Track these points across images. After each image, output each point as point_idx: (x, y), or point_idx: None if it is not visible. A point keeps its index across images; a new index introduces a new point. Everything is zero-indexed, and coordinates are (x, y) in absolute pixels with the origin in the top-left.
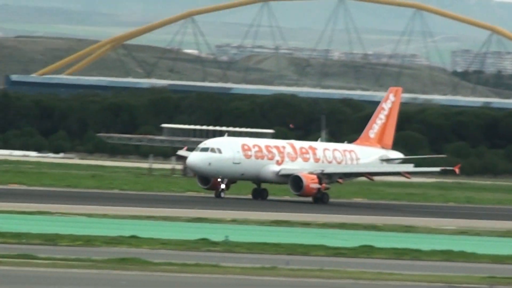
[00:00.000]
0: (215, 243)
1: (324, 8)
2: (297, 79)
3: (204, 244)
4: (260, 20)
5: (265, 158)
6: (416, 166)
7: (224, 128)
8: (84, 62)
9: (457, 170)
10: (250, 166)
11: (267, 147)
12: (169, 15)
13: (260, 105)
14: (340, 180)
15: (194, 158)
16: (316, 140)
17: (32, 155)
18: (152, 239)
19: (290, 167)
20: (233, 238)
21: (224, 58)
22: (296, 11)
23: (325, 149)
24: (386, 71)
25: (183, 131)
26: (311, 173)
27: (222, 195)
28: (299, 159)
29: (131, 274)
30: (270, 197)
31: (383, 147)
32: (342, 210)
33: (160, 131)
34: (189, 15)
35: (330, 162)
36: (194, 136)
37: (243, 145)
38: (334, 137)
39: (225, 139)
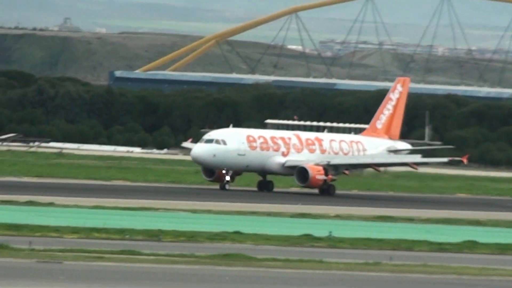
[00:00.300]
0: (318, 239)
1: (428, 4)
2: (401, 75)
3: (308, 239)
4: (364, 16)
5: (271, 149)
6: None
7: (328, 124)
8: (188, 58)
9: (465, 160)
10: (255, 157)
11: (272, 138)
12: (273, 11)
13: (364, 100)
14: (346, 172)
15: (199, 149)
16: (421, 136)
17: (136, 151)
18: (255, 234)
19: (296, 158)
20: (337, 233)
21: (328, 53)
22: (400, 6)
23: (331, 140)
24: (490, 67)
25: (288, 126)
26: (317, 164)
27: (227, 187)
28: (305, 151)
29: (234, 270)
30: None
31: (390, 138)
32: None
33: (264, 126)
34: (293, 11)
35: (336, 154)
36: None
37: (248, 137)
38: (438, 133)
39: (230, 130)
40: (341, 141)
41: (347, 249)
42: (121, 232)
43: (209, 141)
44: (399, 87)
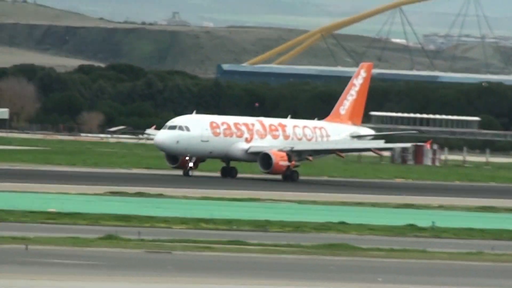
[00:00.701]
0: (422, 229)
1: None
2: (503, 68)
3: (411, 229)
4: (466, 10)
5: (234, 135)
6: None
7: (431, 116)
8: (294, 51)
9: (428, 146)
10: (219, 144)
11: (236, 124)
12: (377, 5)
13: (466, 93)
14: (309, 158)
15: (162, 136)
16: None
17: None
18: (360, 225)
19: (259, 144)
20: (440, 223)
21: (431, 47)
22: (503, 0)
23: (294, 126)
24: None
25: (391, 118)
26: (280, 150)
27: (190, 173)
28: (269, 137)
29: (339, 260)
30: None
31: (354, 124)
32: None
33: (369, 118)
34: (397, 5)
35: (300, 139)
36: (402, 124)
37: (211, 123)
38: None
39: (193, 116)
40: (304, 127)
41: (450, 238)
42: (229, 223)
43: (172, 127)
44: (362, 73)
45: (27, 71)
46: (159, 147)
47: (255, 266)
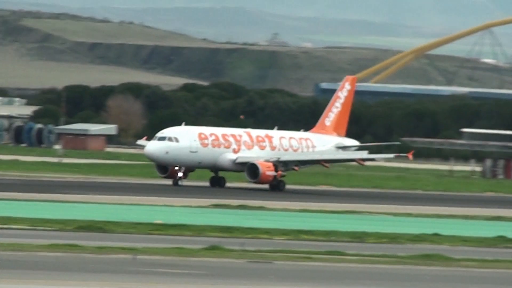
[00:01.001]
0: None
1: None
2: None
3: (502, 241)
4: None
5: (222, 146)
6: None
7: None
8: (389, 71)
9: (410, 156)
10: (207, 154)
11: (223, 135)
12: (468, 27)
13: None
14: (296, 168)
15: (152, 147)
16: None
17: None
18: (453, 236)
19: (246, 155)
20: None
21: None
22: None
23: (281, 137)
24: None
25: (483, 135)
26: (267, 161)
27: (180, 183)
28: (256, 147)
29: (433, 270)
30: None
31: (338, 135)
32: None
33: (461, 135)
34: (487, 26)
35: (286, 150)
36: (493, 140)
37: (200, 134)
38: None
39: (182, 128)
40: (290, 138)
41: None
42: (327, 234)
43: (162, 138)
44: (347, 86)
45: (133, 89)
46: (149, 158)
47: (352, 276)
